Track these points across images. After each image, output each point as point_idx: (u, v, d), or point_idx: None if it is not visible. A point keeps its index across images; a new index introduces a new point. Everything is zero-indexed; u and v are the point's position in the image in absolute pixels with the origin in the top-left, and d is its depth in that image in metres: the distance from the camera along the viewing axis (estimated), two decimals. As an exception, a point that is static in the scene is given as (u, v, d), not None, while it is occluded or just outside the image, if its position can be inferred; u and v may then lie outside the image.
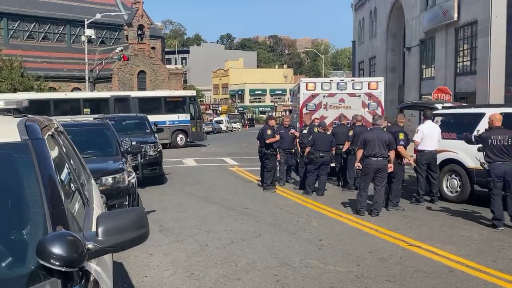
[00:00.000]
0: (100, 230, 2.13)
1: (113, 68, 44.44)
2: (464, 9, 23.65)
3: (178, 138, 29.40)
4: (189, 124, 29.47)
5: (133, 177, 8.37)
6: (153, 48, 49.68)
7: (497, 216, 8.56)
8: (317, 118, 14.16)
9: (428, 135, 11.00)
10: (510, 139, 8.54)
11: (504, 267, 6.42)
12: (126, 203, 7.51)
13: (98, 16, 35.93)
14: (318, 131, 12.58)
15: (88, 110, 25.96)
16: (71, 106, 26.36)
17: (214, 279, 6.02)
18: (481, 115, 10.92)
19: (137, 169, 12.60)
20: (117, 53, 37.59)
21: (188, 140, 29.84)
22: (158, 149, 14.40)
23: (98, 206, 3.58)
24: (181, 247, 7.49)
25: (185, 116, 29.34)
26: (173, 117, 28.99)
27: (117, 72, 45.06)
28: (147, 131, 15.90)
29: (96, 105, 27.33)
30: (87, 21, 36.20)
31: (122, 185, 7.58)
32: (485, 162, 8.69)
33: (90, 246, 2.06)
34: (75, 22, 48.18)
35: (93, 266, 2.33)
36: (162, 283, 5.93)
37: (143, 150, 13.03)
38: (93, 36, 41.28)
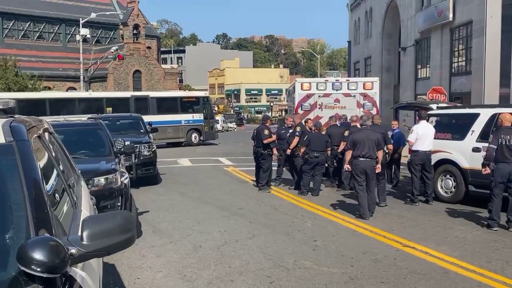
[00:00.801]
0: (85, 234, 2.08)
1: (108, 68, 44.33)
2: (459, 10, 23.70)
3: (193, 137, 30.33)
4: (203, 124, 30.51)
5: (126, 178, 8.29)
6: (149, 47, 49.57)
7: (493, 216, 8.54)
8: (310, 119, 14.08)
9: (423, 136, 10.97)
10: None
11: (498, 268, 6.40)
12: (118, 204, 7.44)
13: (93, 15, 35.81)
14: (314, 131, 12.54)
15: (110, 109, 26.77)
16: (95, 105, 26.96)
17: (207, 280, 5.98)
18: (476, 115, 10.92)
19: (131, 169, 12.55)
20: (112, 52, 37.47)
21: (201, 138, 30.70)
22: (153, 149, 14.34)
23: (86, 209, 3.53)
24: (174, 248, 7.44)
25: (199, 116, 30.31)
26: (188, 116, 29.98)
27: (112, 72, 44.95)
28: (142, 131, 15.82)
29: (117, 104, 28.00)
30: (82, 20, 36.08)
31: (114, 186, 7.51)
32: (483, 162, 8.61)
33: (73, 251, 2.01)
34: (70, 21, 48.03)
35: (78, 271, 2.27)
36: (155, 285, 5.88)
37: (137, 150, 12.97)
38: (88, 36, 41.24)
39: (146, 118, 26.90)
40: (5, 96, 26.98)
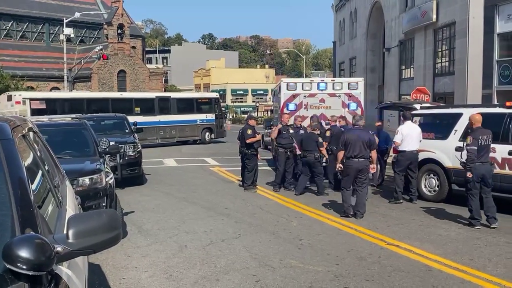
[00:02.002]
0: (70, 232, 2.09)
1: (93, 68, 43.97)
2: (442, 11, 23.94)
3: (206, 135, 32.02)
4: (214, 123, 32.37)
5: (111, 178, 8.25)
6: (133, 47, 49.25)
7: (474, 215, 8.68)
8: (299, 116, 14.13)
9: (408, 136, 11.11)
10: (489, 140, 8.66)
11: (480, 266, 6.51)
12: (103, 204, 7.40)
13: (77, 14, 35.51)
14: (308, 131, 12.66)
15: (139, 108, 28.68)
16: (125, 105, 28.00)
17: (193, 280, 5.98)
18: (459, 115, 11.08)
19: (116, 169, 12.48)
20: (97, 52, 37.19)
21: (212, 136, 32.34)
22: (138, 149, 14.28)
23: (71, 208, 3.52)
24: (160, 249, 7.43)
25: (211, 116, 32.29)
26: (202, 116, 31.90)
27: (97, 72, 44.58)
28: (127, 131, 15.75)
29: (144, 104, 29.71)
30: (66, 19, 35.75)
31: (99, 186, 7.47)
32: (465, 162, 8.73)
33: (59, 249, 2.01)
34: (53, 20, 47.52)
35: (64, 269, 2.28)
36: (140, 285, 5.87)
37: (122, 150, 12.90)
38: (72, 35, 40.86)
39: (168, 118, 29.43)
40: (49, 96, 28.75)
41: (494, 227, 8.53)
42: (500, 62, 20.34)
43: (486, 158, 8.69)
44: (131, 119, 26.83)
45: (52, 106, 24.86)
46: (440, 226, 8.88)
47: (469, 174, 8.64)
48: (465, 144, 8.85)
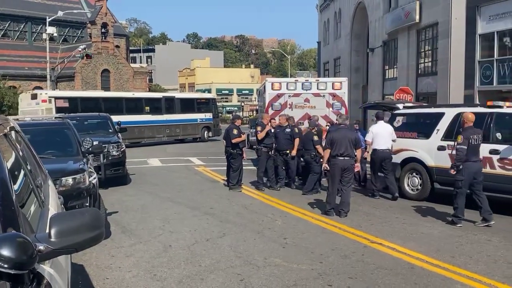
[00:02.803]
0: (53, 231, 2.08)
1: (76, 67, 43.52)
2: (425, 11, 24.20)
3: (205, 133, 33.68)
4: (212, 122, 34.07)
5: (94, 178, 8.20)
6: (117, 46, 48.84)
7: (458, 213, 8.78)
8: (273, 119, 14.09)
9: (379, 135, 11.50)
10: (479, 139, 8.76)
11: (461, 263, 6.61)
12: (87, 204, 7.35)
13: (60, 13, 35.14)
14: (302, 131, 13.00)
15: (148, 108, 30.33)
16: (136, 104, 30.07)
17: (177, 279, 5.98)
18: (441, 114, 11.22)
19: (99, 169, 12.39)
20: (80, 51, 36.76)
21: (209, 135, 33.87)
22: (122, 149, 14.19)
23: (54, 207, 3.50)
24: (144, 248, 7.40)
25: (209, 115, 34.05)
26: (202, 115, 33.58)
27: (80, 71, 44.14)
28: (110, 130, 15.64)
29: (152, 103, 31.22)
30: (49, 18, 35.34)
31: (82, 186, 7.42)
32: (455, 163, 8.72)
33: (41, 247, 2.00)
34: (36, 19, 46.89)
35: (46, 268, 2.27)
36: (124, 285, 5.84)
37: (105, 150, 12.81)
38: (55, 34, 40.39)
39: (173, 117, 30.85)
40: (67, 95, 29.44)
41: (492, 224, 8.64)
42: (481, 62, 20.64)
43: (477, 157, 8.79)
44: (141, 118, 29.17)
45: (74, 105, 25.84)
46: (422, 224, 8.99)
47: (452, 171, 8.71)
48: (455, 143, 8.89)
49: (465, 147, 8.55)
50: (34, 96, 25.98)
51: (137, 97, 31.66)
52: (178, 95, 36.82)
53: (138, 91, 41.64)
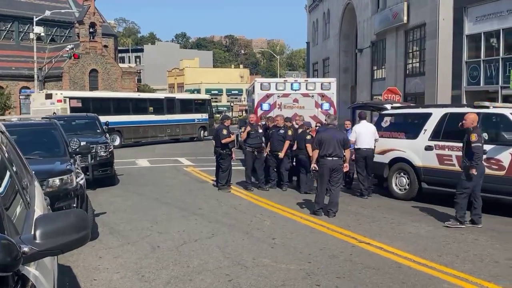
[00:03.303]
0: (38, 232, 2.07)
1: (64, 67, 43.20)
2: (413, 12, 24.37)
3: (202, 133, 34.90)
4: (208, 122, 35.31)
5: (82, 179, 8.14)
6: (106, 46, 48.54)
7: (463, 212, 8.66)
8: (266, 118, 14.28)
9: (361, 134, 11.80)
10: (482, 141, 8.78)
11: (448, 262, 6.66)
12: (74, 205, 7.29)
13: (47, 13, 34.91)
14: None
15: (152, 108, 31.25)
16: (142, 105, 31.14)
17: (165, 280, 5.96)
18: (428, 115, 11.30)
19: (87, 170, 12.30)
20: (68, 51, 36.58)
21: (204, 134, 34.82)
22: (110, 150, 14.10)
23: (40, 209, 3.47)
24: (132, 249, 7.37)
25: (205, 115, 35.42)
26: (199, 116, 34.86)
27: (68, 71, 43.82)
28: (98, 131, 15.54)
29: (155, 104, 32.05)
30: (36, 18, 35.06)
31: (70, 187, 7.36)
32: (475, 162, 8.48)
33: (26, 249, 1.99)
34: (23, 19, 46.43)
35: (31, 270, 2.25)
36: (112, 286, 5.81)
37: (93, 150, 12.74)
38: (43, 34, 40.17)
39: (174, 117, 31.67)
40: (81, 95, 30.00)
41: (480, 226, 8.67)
42: (468, 63, 20.84)
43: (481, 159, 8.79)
44: (146, 118, 29.89)
45: (86, 104, 26.29)
46: (410, 223, 9.05)
47: (474, 171, 8.43)
48: (471, 142, 8.44)
49: (481, 145, 8.46)
50: (48, 96, 26.44)
51: (142, 98, 32.87)
52: (178, 96, 38.15)
53: (127, 91, 41.86)
